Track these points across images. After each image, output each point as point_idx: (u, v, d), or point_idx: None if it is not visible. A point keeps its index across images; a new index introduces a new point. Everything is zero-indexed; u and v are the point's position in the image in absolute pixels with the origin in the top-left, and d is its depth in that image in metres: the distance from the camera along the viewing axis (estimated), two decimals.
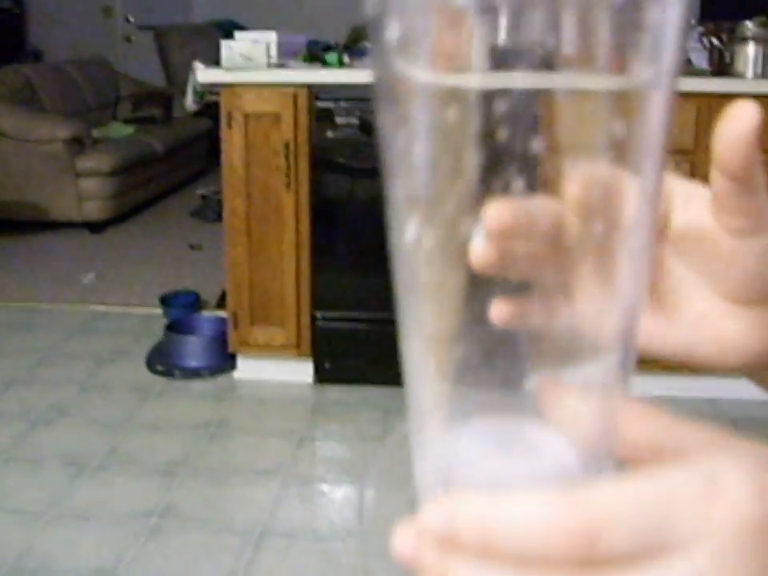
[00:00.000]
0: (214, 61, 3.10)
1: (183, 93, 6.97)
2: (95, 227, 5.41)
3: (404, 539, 0.28)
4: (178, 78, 7.41)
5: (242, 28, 7.77)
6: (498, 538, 0.27)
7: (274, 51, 3.15)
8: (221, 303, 3.82)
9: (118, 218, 5.60)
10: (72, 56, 6.95)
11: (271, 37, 3.17)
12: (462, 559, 0.28)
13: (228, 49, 3.08)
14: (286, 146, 2.99)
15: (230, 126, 3.01)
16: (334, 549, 2.40)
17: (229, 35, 7.69)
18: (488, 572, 0.27)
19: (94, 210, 5.39)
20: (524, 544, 0.27)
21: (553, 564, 0.26)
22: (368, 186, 3.17)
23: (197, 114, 6.20)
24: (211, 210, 5.63)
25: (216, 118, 3.59)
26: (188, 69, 7.10)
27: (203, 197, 5.94)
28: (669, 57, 0.30)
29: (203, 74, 3.07)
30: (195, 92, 3.24)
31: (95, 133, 5.75)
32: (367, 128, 3.03)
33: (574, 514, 0.26)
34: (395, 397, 3.21)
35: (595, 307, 0.32)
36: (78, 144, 5.37)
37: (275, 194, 3.05)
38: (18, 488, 2.63)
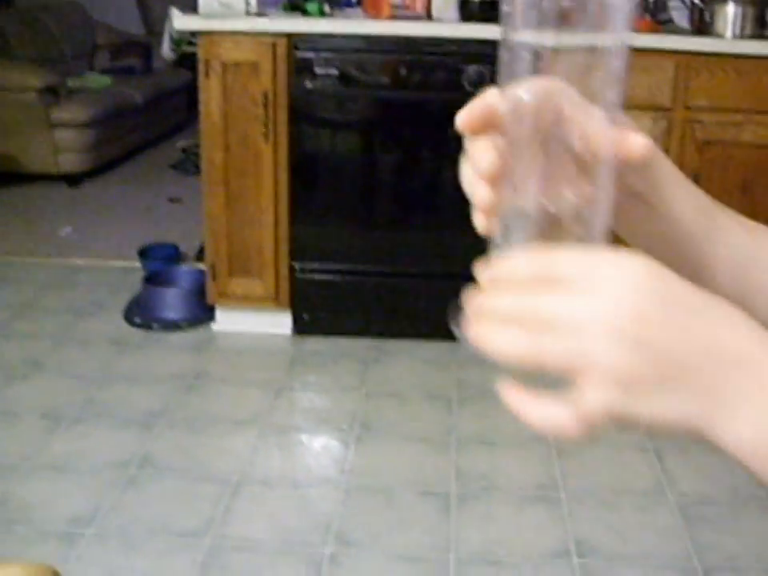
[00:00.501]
0: (192, 8, 3.04)
1: (160, 40, 6.89)
2: (72, 180, 5.34)
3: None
4: (157, 27, 7.29)
5: None
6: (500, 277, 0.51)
7: None
8: (200, 256, 3.79)
9: (96, 171, 5.52)
10: (44, 1, 6.77)
11: None
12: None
13: None
14: (265, 96, 2.95)
15: (207, 75, 2.97)
16: (311, 495, 2.41)
17: None
18: (497, 294, 0.51)
19: (70, 162, 5.32)
20: (513, 276, 0.51)
21: (526, 283, 0.49)
22: (346, 137, 3.15)
23: (176, 65, 6.13)
24: (191, 163, 5.58)
25: (196, 70, 3.55)
26: (165, 15, 7.00)
27: (183, 150, 5.88)
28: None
29: (180, 21, 3.02)
30: (172, 39, 3.19)
31: (71, 83, 5.66)
32: (347, 79, 3.00)
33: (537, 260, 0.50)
34: (372, 348, 3.21)
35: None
36: (52, 94, 5.28)
37: (253, 144, 3.01)
38: None
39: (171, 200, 4.99)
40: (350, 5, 3.74)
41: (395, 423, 2.78)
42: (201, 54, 2.96)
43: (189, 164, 5.64)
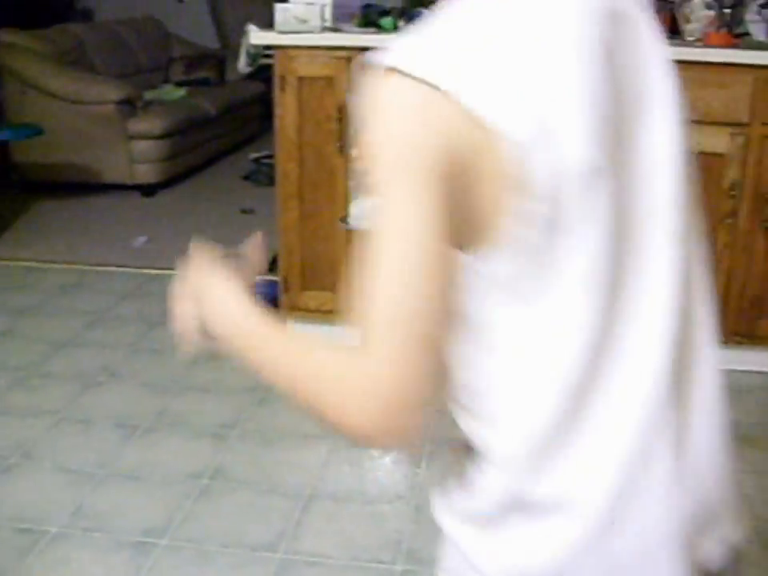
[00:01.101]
0: (268, 23, 3.07)
1: (236, 55, 6.97)
2: (147, 190, 5.43)
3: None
4: (230, 40, 7.39)
5: None
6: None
7: (328, 14, 3.11)
8: (272, 267, 3.82)
9: (170, 181, 5.61)
10: (123, 17, 6.92)
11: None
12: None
13: (283, 11, 3.05)
14: (339, 110, 2.96)
15: (283, 89, 2.98)
16: (382, 512, 2.40)
17: None
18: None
19: (145, 172, 5.41)
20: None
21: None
22: None
23: (250, 77, 6.18)
24: (263, 174, 5.63)
25: (269, 81, 3.58)
26: (241, 31, 7.05)
27: (255, 160, 5.93)
28: None
29: (257, 36, 3.05)
30: (248, 54, 3.22)
31: (147, 95, 5.76)
32: None
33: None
34: None
35: None
36: (129, 106, 5.38)
37: (327, 158, 3.02)
38: (69, 448, 2.66)
39: (243, 211, 5.03)
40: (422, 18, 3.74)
41: None
42: (277, 69, 2.98)
43: (261, 175, 5.69)
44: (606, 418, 0.78)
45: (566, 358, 0.77)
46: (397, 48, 0.75)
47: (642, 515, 0.80)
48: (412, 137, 0.72)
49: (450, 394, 0.84)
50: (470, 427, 0.84)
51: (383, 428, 0.72)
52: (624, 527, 0.79)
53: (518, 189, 0.71)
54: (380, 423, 0.72)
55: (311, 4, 3.07)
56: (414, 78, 0.72)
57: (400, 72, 0.72)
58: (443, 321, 0.74)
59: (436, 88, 0.71)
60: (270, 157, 5.68)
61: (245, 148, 6.56)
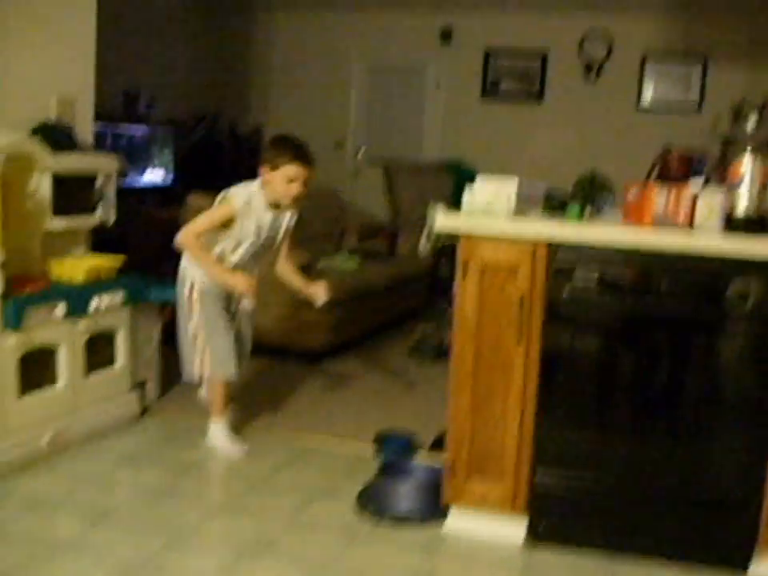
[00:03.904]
0: (442, 198, 3.09)
1: (407, 227, 7.13)
2: (312, 357, 5.50)
3: None
4: (403, 213, 7.60)
5: (468, 168, 7.96)
6: None
7: (513, 200, 3.12)
8: (435, 447, 3.75)
9: (334, 349, 5.67)
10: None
11: (512, 185, 3.13)
12: None
13: (470, 195, 3.08)
14: (521, 299, 2.93)
15: (465, 274, 2.98)
16: None
17: (457, 175, 7.86)
18: None
19: (313, 339, 5.48)
20: None
21: None
22: (600, 347, 3.06)
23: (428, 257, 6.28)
24: (428, 348, 5.63)
25: (439, 255, 3.63)
26: (414, 206, 7.28)
27: (420, 336, 5.93)
28: None
29: (444, 219, 3.06)
30: (429, 237, 3.24)
31: (322, 263, 5.91)
32: (605, 288, 2.94)
33: None
34: (611, 565, 3.01)
35: None
36: (305, 272, 5.50)
37: (505, 346, 2.98)
38: None
39: (406, 384, 5.01)
40: (604, 207, 3.72)
41: None
42: (460, 255, 2.99)
43: (426, 349, 5.69)
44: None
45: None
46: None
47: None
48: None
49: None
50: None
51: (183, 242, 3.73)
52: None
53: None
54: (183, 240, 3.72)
55: (499, 190, 3.09)
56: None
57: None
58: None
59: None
60: (437, 331, 5.70)
61: (410, 321, 6.60)
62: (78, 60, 4.40)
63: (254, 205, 3.70)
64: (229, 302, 3.90)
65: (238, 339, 3.94)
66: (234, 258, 3.78)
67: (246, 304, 3.98)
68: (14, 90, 3.96)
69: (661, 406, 3.01)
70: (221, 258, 3.77)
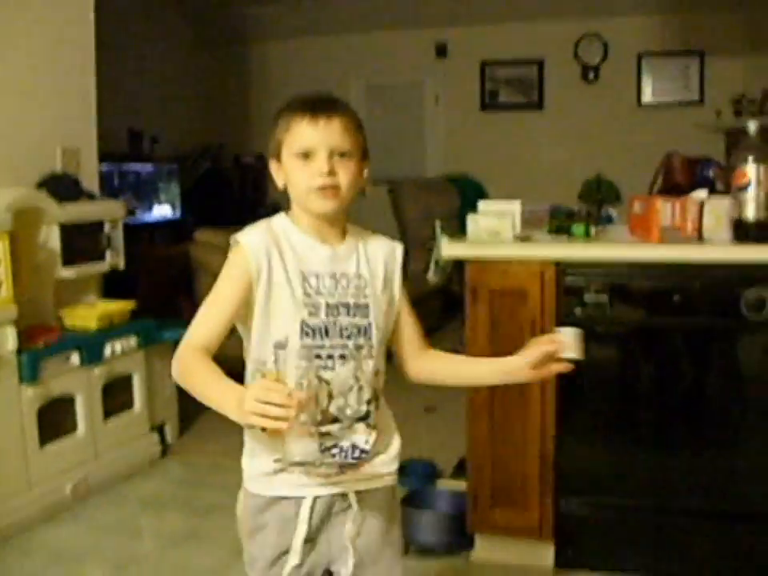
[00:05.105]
0: (449, 212, 3.09)
1: (417, 245, 7.11)
2: None
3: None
4: (411, 231, 7.58)
5: (473, 180, 7.95)
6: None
7: (518, 221, 3.12)
8: (457, 473, 3.73)
9: None
10: None
11: (516, 207, 3.13)
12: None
13: (474, 223, 3.08)
14: (533, 323, 2.92)
15: (474, 300, 2.98)
16: None
17: (462, 188, 7.82)
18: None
19: None
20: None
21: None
22: (615, 366, 3.04)
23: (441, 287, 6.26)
24: None
25: (450, 278, 3.58)
26: (422, 223, 7.26)
27: None
28: None
29: (448, 248, 3.06)
30: (437, 265, 3.24)
31: None
32: (616, 305, 2.92)
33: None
34: None
35: None
36: None
37: None
38: None
39: (426, 409, 5.00)
40: (610, 220, 3.71)
41: None
42: (468, 281, 2.99)
43: None
44: None
45: None
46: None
47: None
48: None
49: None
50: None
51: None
52: None
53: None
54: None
55: (502, 215, 3.08)
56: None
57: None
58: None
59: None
60: (455, 352, 5.67)
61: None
62: (80, 108, 4.42)
63: (284, 246, 1.74)
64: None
65: None
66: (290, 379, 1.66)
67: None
68: (19, 144, 3.98)
69: (683, 420, 2.99)
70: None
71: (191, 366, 1.63)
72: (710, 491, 2.94)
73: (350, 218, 1.82)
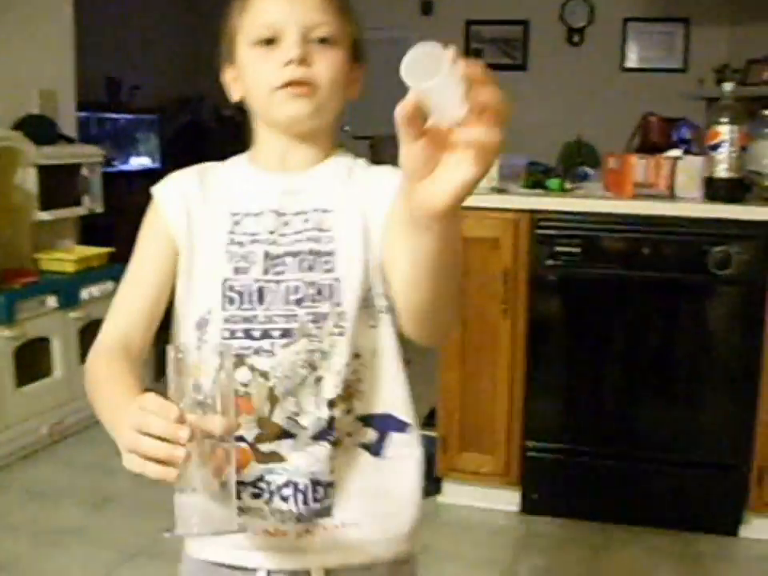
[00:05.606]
0: None
1: None
2: None
3: None
4: None
5: None
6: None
7: (495, 174, 3.15)
8: (428, 422, 3.79)
9: None
10: None
11: None
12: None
13: None
14: (505, 273, 2.97)
15: None
16: None
17: None
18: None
19: None
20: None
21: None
22: (585, 316, 3.10)
23: None
24: None
25: None
26: None
27: None
28: None
29: None
30: None
31: None
32: (588, 257, 2.98)
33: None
34: (601, 533, 3.07)
35: None
36: None
37: (491, 320, 3.02)
38: None
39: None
40: (586, 177, 3.75)
41: None
42: None
43: None
44: None
45: None
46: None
47: None
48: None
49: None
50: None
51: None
52: None
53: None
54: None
55: None
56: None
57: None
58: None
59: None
60: None
61: None
62: (58, 52, 4.40)
63: (211, 183, 1.25)
64: None
65: None
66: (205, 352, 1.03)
67: None
68: None
69: (649, 372, 3.06)
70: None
71: (99, 375, 1.13)
72: (672, 440, 3.02)
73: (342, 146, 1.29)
